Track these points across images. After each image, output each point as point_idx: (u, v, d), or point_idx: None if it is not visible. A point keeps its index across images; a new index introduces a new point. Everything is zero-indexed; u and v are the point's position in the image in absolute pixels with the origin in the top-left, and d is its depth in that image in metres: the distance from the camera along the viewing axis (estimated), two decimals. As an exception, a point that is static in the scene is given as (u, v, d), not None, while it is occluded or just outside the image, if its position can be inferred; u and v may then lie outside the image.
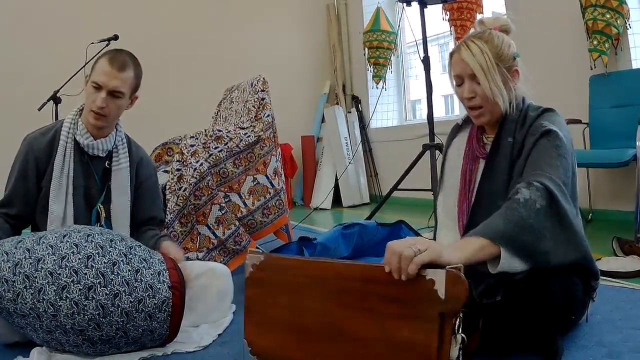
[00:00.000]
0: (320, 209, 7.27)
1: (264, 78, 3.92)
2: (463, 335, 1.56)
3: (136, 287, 2.09)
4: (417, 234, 3.48)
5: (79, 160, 2.61)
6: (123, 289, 2.06)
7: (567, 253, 1.88)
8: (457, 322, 1.53)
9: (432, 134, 4.91)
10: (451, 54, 2.21)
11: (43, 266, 2.03)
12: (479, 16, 6.11)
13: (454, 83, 2.22)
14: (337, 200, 7.63)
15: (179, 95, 6.82)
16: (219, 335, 2.45)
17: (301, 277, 1.84)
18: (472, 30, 2.28)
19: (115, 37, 4.14)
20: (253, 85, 3.94)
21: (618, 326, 2.23)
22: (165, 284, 2.18)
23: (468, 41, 2.14)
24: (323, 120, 8.09)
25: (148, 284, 2.13)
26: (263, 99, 3.80)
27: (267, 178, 3.64)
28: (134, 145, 2.83)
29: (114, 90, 2.48)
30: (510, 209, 1.82)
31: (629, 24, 4.62)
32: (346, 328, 1.72)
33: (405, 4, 5.05)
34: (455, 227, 2.30)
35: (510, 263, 1.74)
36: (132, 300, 2.07)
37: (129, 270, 2.11)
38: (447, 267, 1.54)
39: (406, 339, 1.59)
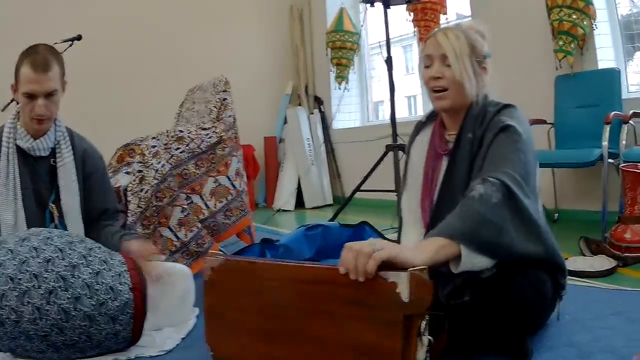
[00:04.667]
0: (283, 210, 7.26)
1: (225, 78, 3.91)
2: (430, 338, 1.54)
3: (97, 290, 2.07)
4: (380, 235, 3.47)
5: (23, 163, 2.58)
6: (84, 292, 2.04)
7: (530, 246, 1.88)
8: (423, 324, 1.51)
9: (395, 135, 4.93)
10: (427, 38, 2.24)
11: (4, 271, 2.00)
12: (443, 17, 6.16)
13: (423, 64, 2.22)
14: (300, 202, 7.63)
15: (141, 96, 6.77)
16: (183, 339, 2.42)
17: (260, 280, 1.80)
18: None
19: (79, 37, 4.06)
20: (215, 85, 3.92)
21: (587, 326, 2.23)
22: (126, 285, 2.16)
23: (445, 28, 2.19)
24: (285, 121, 8.06)
25: (109, 286, 2.10)
26: (225, 99, 3.78)
27: (229, 179, 3.62)
28: (77, 137, 2.77)
29: (48, 93, 2.45)
30: (465, 205, 1.83)
31: (595, 25, 4.67)
32: (309, 331, 1.68)
33: (368, 5, 5.06)
34: (419, 225, 2.30)
35: (471, 260, 1.74)
36: (93, 303, 2.05)
37: (90, 272, 2.08)
38: (410, 269, 1.52)
39: (371, 343, 1.56)
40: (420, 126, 2.45)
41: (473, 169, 2.09)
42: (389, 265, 1.55)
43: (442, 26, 2.32)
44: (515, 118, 2.07)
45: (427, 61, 2.19)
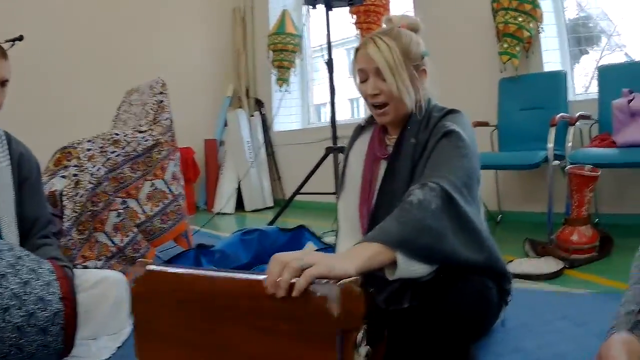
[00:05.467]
0: (223, 213, 7.21)
1: (162, 80, 3.85)
2: (367, 348, 1.48)
3: (26, 300, 1.99)
4: (319, 239, 3.44)
5: None
6: (13, 303, 1.96)
7: (470, 253, 1.82)
8: (358, 335, 1.45)
9: (335, 137, 4.91)
10: (356, 49, 2.13)
11: None
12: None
13: (358, 79, 2.14)
14: (240, 205, 7.59)
15: (79, 97, 6.62)
16: (118, 348, 2.37)
17: (186, 293, 1.70)
18: (379, 28, 2.22)
19: (20, 38, 3.95)
20: (152, 87, 3.86)
21: (535, 331, 2.21)
22: (55, 295, 2.08)
23: (375, 37, 2.07)
24: (226, 124, 8.02)
25: (38, 297, 2.03)
26: (161, 101, 3.73)
27: (165, 183, 3.58)
28: (14, 141, 2.66)
29: (4, 80, 2.36)
30: (403, 210, 1.74)
31: (542, 27, 4.72)
32: (238, 347, 1.58)
33: (310, 7, 5.03)
34: (356, 231, 2.22)
35: (408, 268, 1.65)
36: (22, 314, 1.98)
37: (18, 282, 2.00)
38: (341, 281, 1.43)
39: (304, 358, 1.47)
40: (359, 130, 2.38)
41: (414, 175, 2.02)
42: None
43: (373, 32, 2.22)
44: (460, 124, 2.01)
45: (361, 76, 2.12)
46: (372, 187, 2.19)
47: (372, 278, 1.82)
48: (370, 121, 2.34)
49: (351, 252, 1.64)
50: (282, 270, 1.44)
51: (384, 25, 2.20)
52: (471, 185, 1.90)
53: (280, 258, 1.48)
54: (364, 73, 2.09)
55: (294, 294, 1.41)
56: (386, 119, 2.12)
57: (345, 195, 2.33)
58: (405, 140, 2.09)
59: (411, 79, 2.06)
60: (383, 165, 2.18)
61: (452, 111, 2.10)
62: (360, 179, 2.25)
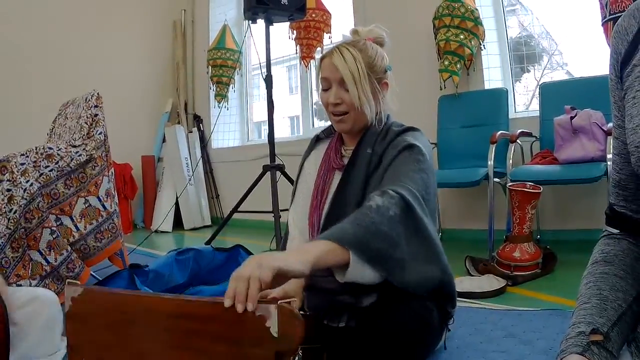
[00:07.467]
0: (161, 231, 7.10)
1: (97, 93, 3.77)
2: None
3: (-47, 323, 1.93)
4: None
5: None
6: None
7: (425, 265, 1.83)
8: (295, 359, 1.42)
9: (272, 155, 4.88)
10: (322, 58, 2.16)
11: None
12: (326, 36, 6.18)
13: (321, 87, 2.16)
14: (179, 223, 7.48)
15: (18, 110, 6.48)
16: (52, 371, 2.29)
17: (124, 313, 1.64)
18: (346, 38, 2.23)
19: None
20: (87, 100, 3.77)
21: (480, 350, 2.18)
22: (-14, 318, 2.02)
23: (342, 47, 2.11)
24: (164, 140, 7.92)
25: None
26: (96, 115, 3.65)
27: (99, 200, 3.50)
28: None
29: None
30: (361, 214, 1.74)
31: (484, 45, 4.78)
32: None
33: (251, 21, 5.00)
34: (306, 237, 2.21)
35: (360, 271, 1.64)
36: (-50, 338, 1.92)
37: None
38: (280, 301, 1.39)
39: None
40: (316, 141, 2.41)
41: (368, 186, 2.04)
42: (280, 275, 1.45)
43: (332, 43, 2.24)
44: (419, 140, 2.06)
45: (324, 84, 2.14)
46: (323, 196, 2.19)
47: (314, 291, 1.79)
48: (327, 133, 2.38)
49: (304, 248, 1.65)
50: (246, 285, 1.39)
51: (350, 36, 2.22)
52: (428, 199, 1.94)
53: (241, 275, 1.42)
54: (327, 82, 2.12)
55: (249, 308, 1.38)
56: (345, 127, 2.15)
57: (297, 204, 2.35)
58: (362, 150, 2.12)
59: (373, 92, 2.10)
60: (337, 175, 2.19)
61: (411, 128, 2.14)
62: (312, 188, 2.26)
